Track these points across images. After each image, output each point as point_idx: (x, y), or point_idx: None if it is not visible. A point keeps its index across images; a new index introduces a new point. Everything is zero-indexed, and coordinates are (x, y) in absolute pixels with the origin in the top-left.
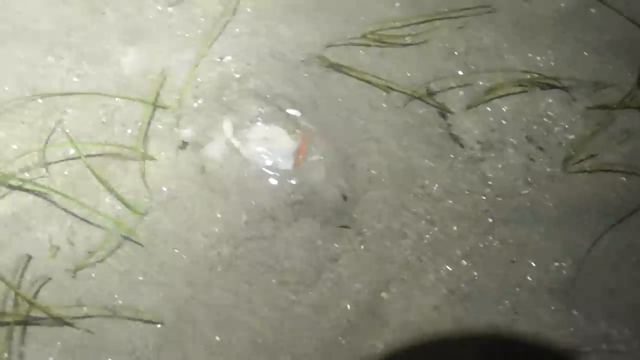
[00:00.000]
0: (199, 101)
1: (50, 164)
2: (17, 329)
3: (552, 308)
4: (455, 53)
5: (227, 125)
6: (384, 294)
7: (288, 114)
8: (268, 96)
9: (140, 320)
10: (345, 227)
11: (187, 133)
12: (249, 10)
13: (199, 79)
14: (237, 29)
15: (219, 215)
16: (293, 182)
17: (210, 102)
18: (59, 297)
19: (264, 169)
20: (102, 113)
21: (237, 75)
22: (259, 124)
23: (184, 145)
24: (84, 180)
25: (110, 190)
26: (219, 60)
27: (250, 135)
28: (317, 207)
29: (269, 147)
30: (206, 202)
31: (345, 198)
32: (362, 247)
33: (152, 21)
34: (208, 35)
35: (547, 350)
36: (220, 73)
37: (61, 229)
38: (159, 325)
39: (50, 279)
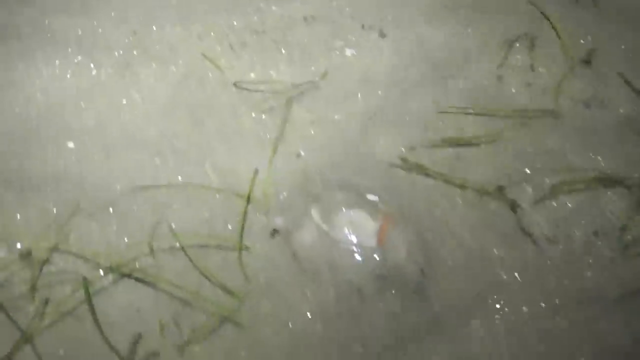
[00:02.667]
0: (284, 194)
1: (156, 251)
2: None
3: None
4: (523, 154)
5: (315, 213)
6: None
7: (368, 200)
8: (349, 186)
9: None
10: (424, 301)
11: (277, 222)
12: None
13: (281, 175)
14: (312, 131)
15: (309, 295)
16: (377, 258)
17: (296, 194)
18: None
19: (351, 248)
20: (204, 209)
21: (317, 170)
22: (343, 209)
23: (274, 233)
24: (188, 270)
25: (211, 279)
26: (296, 157)
27: (336, 220)
28: (398, 282)
29: (355, 229)
30: (298, 283)
31: (423, 273)
32: (433, 334)
33: (245, 127)
34: (285, 137)
35: None
36: (301, 169)
37: (168, 311)
38: None
39: (159, 354)
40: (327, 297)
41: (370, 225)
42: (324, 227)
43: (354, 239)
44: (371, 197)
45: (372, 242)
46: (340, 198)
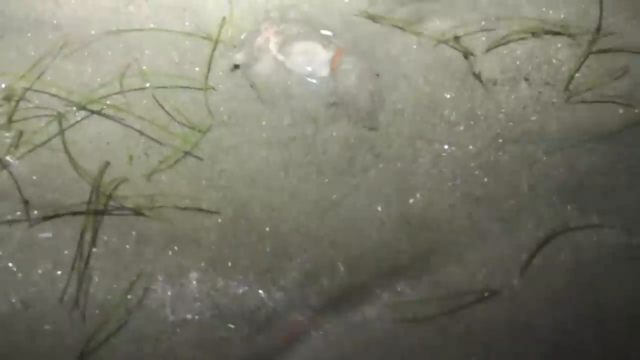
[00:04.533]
0: (245, 33)
1: (127, 91)
2: (100, 219)
3: (552, 206)
4: (479, 7)
5: (272, 45)
6: (411, 200)
7: (323, 35)
8: (307, 23)
9: (205, 211)
10: (373, 129)
11: (237, 58)
12: None
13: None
14: None
15: (264, 123)
16: (330, 86)
17: (255, 31)
18: (135, 195)
19: (305, 76)
20: (174, 53)
21: (276, 9)
22: (298, 41)
23: (235, 68)
24: (157, 108)
25: (175, 116)
26: None
27: (292, 50)
28: (350, 109)
29: (309, 58)
30: (256, 113)
31: (373, 100)
32: (381, 165)
33: None
34: None
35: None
36: (258, 9)
37: (137, 144)
38: (219, 220)
39: (127, 179)
40: (283, 124)
41: (323, 55)
42: (280, 57)
43: (307, 68)
44: (325, 32)
45: (325, 71)
46: (296, 32)
